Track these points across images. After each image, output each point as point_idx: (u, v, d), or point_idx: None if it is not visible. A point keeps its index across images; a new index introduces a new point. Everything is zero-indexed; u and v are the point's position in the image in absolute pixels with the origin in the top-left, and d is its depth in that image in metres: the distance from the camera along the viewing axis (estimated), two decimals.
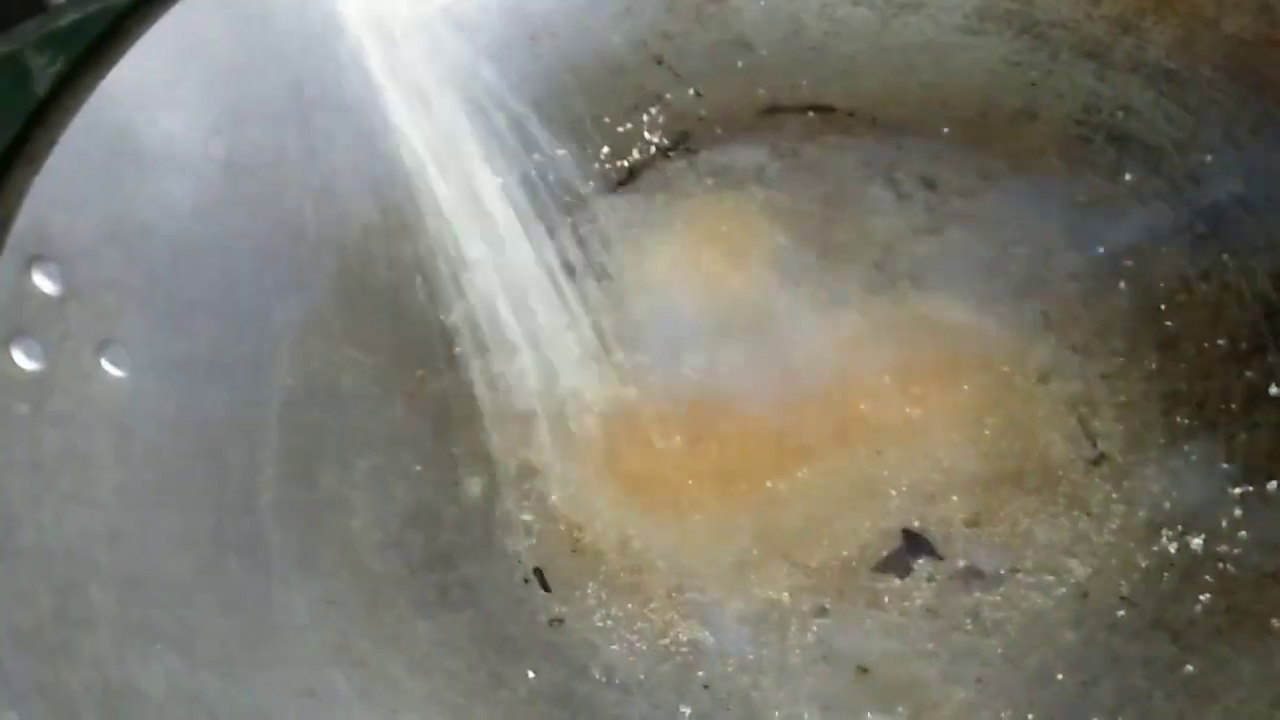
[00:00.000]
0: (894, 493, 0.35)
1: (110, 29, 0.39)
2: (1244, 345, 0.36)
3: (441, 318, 0.40)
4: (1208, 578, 0.32)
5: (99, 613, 0.28)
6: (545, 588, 0.35)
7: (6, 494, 0.28)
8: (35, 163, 0.34)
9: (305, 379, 0.38)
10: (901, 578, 0.33)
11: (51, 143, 0.34)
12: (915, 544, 0.34)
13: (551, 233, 0.43)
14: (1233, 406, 0.35)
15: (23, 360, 0.31)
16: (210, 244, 0.38)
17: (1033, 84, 0.43)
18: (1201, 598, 0.32)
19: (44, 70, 0.54)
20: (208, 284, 0.38)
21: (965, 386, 0.37)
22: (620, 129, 0.45)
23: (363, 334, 0.39)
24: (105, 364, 0.33)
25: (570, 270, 0.42)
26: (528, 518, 0.36)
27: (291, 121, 0.41)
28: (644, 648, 0.33)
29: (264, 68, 0.41)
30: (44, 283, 0.32)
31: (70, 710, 0.25)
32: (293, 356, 0.38)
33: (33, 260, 0.32)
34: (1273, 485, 0.33)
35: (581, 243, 0.43)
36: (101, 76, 0.36)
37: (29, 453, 0.29)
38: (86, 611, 0.27)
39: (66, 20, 0.56)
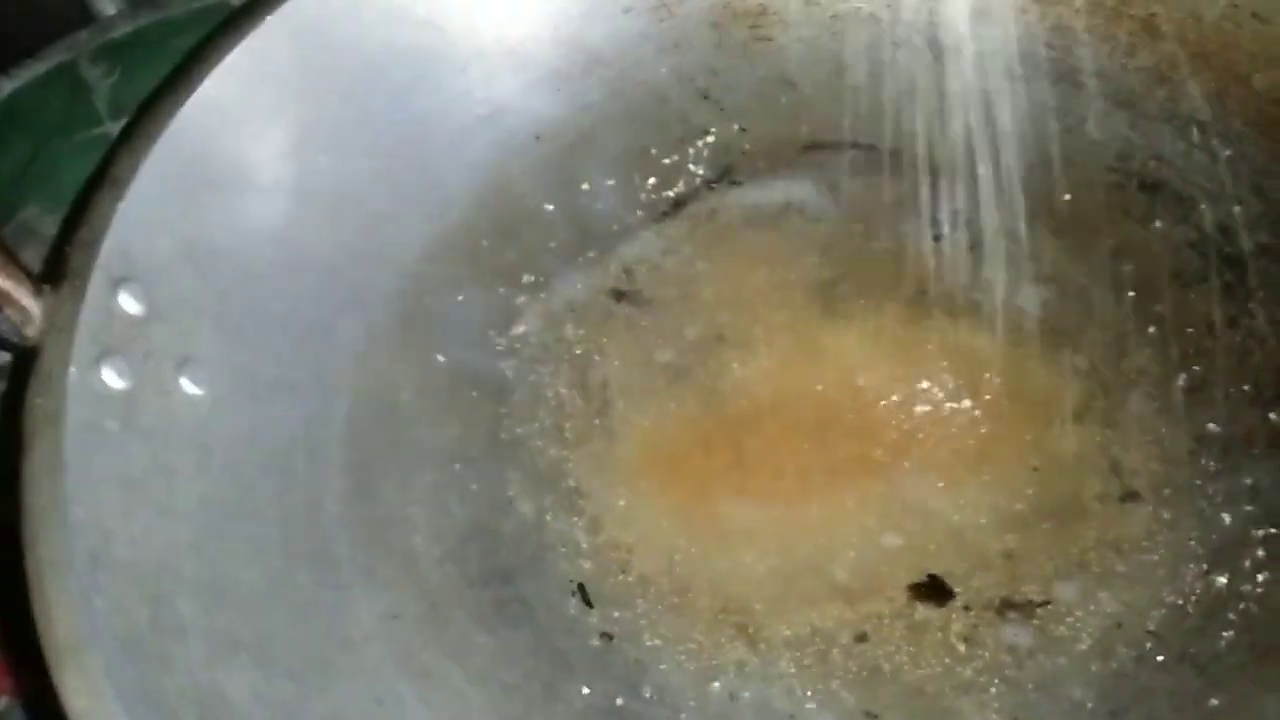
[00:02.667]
0: (933, 523, 0.37)
1: (186, 55, 0.40)
2: (1268, 391, 0.38)
3: (495, 338, 0.42)
4: (1231, 615, 0.34)
5: (188, 622, 0.29)
6: (588, 603, 0.36)
7: (102, 508, 0.29)
8: (119, 186, 0.35)
9: (366, 396, 0.39)
10: (940, 606, 0.35)
11: (134, 167, 0.36)
12: (938, 589, 0.35)
13: (599, 260, 0.44)
14: (1256, 450, 0.37)
15: (112, 379, 0.32)
16: (277, 264, 0.39)
17: (1068, 131, 0.45)
18: (1225, 634, 0.33)
19: (100, 81, 0.56)
20: (274, 302, 0.39)
21: (1001, 422, 0.39)
22: (666, 161, 0.46)
23: (419, 354, 0.41)
24: (184, 381, 0.34)
25: (618, 296, 0.43)
26: (578, 537, 0.38)
27: (355, 146, 0.42)
28: (692, 668, 0.35)
29: (330, 94, 0.42)
30: (129, 303, 0.34)
31: (173, 716, 0.26)
32: (354, 374, 0.39)
33: (119, 282, 0.34)
34: None
35: (628, 270, 0.44)
36: (181, 102, 0.37)
37: (120, 467, 0.31)
38: (177, 621, 0.29)
39: (120, 32, 0.58)
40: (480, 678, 0.33)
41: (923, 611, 0.35)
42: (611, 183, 0.46)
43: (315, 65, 0.42)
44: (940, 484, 0.38)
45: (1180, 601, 0.34)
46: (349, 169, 0.42)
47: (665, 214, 0.46)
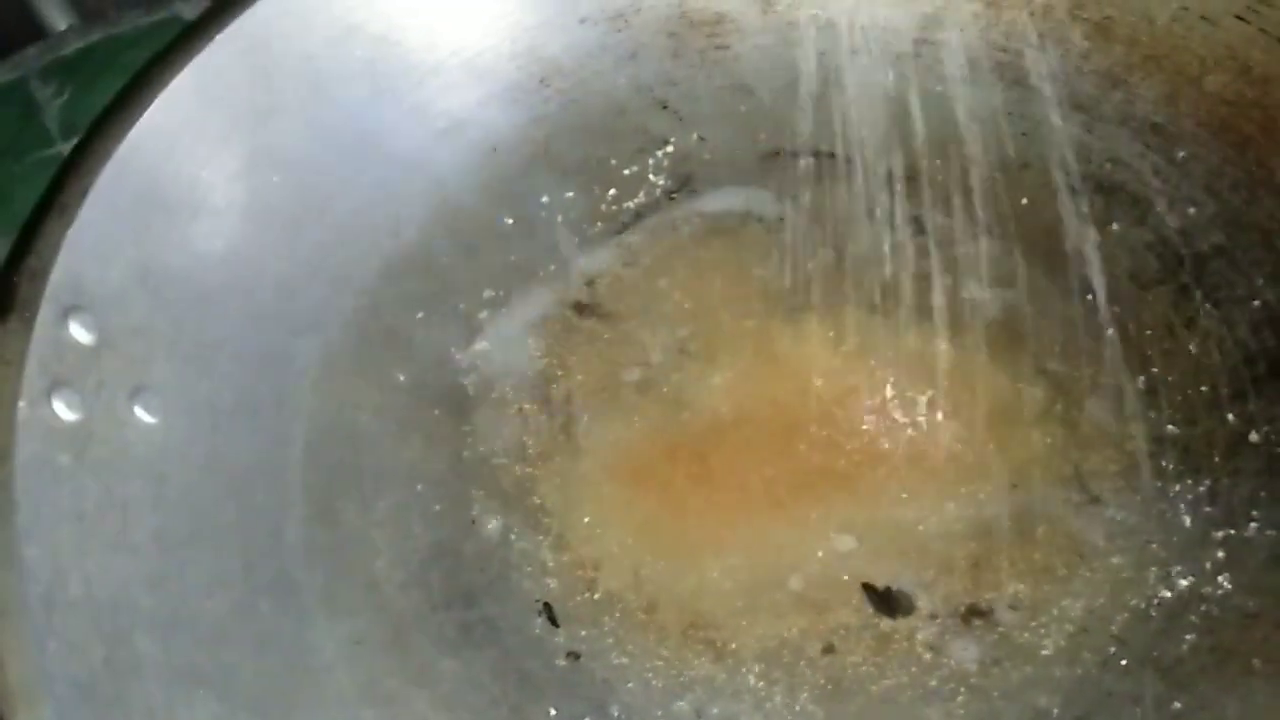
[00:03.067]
0: (897, 532, 0.37)
1: (133, 77, 0.39)
2: (1225, 392, 0.38)
3: (456, 355, 0.42)
4: (1193, 618, 0.34)
5: (145, 660, 0.29)
6: (554, 623, 0.36)
7: (56, 545, 0.28)
8: (68, 213, 0.35)
9: (325, 418, 0.39)
10: (905, 615, 0.35)
11: (83, 193, 0.35)
12: (886, 600, 0.36)
13: (560, 274, 0.44)
14: (1216, 452, 0.37)
15: (63, 411, 0.32)
16: (232, 287, 0.39)
17: (1024, 134, 0.45)
18: (1188, 637, 0.34)
19: (51, 101, 0.55)
20: (230, 326, 0.38)
21: (962, 428, 0.39)
22: (626, 171, 0.46)
23: (379, 373, 0.41)
24: (138, 410, 0.34)
25: (580, 309, 0.43)
26: (544, 556, 0.37)
27: (310, 164, 0.42)
28: (659, 685, 0.34)
29: (283, 112, 0.42)
30: (80, 333, 0.33)
31: None
32: (313, 396, 0.39)
33: (69, 311, 0.33)
34: (1253, 529, 0.35)
35: (590, 283, 0.44)
36: (130, 126, 0.37)
37: (73, 503, 0.30)
38: (134, 659, 0.28)
39: (70, 49, 0.57)
40: (445, 703, 0.33)
41: (886, 622, 0.35)
42: (571, 195, 0.45)
43: (267, 83, 0.41)
44: (903, 492, 0.38)
45: (1143, 605, 0.35)
46: (304, 188, 0.42)
47: (626, 225, 0.45)
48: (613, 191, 0.46)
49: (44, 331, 0.32)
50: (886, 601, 0.35)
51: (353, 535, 0.36)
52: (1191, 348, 0.39)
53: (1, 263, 0.45)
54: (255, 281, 0.40)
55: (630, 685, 0.34)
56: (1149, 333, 0.40)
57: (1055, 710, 0.33)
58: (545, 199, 0.45)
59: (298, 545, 0.35)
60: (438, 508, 0.38)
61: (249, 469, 0.36)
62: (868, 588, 0.35)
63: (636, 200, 0.46)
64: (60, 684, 0.26)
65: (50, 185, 0.36)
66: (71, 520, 0.30)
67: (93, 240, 0.35)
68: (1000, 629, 0.35)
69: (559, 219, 0.45)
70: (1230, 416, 0.38)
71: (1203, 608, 0.34)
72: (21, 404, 0.30)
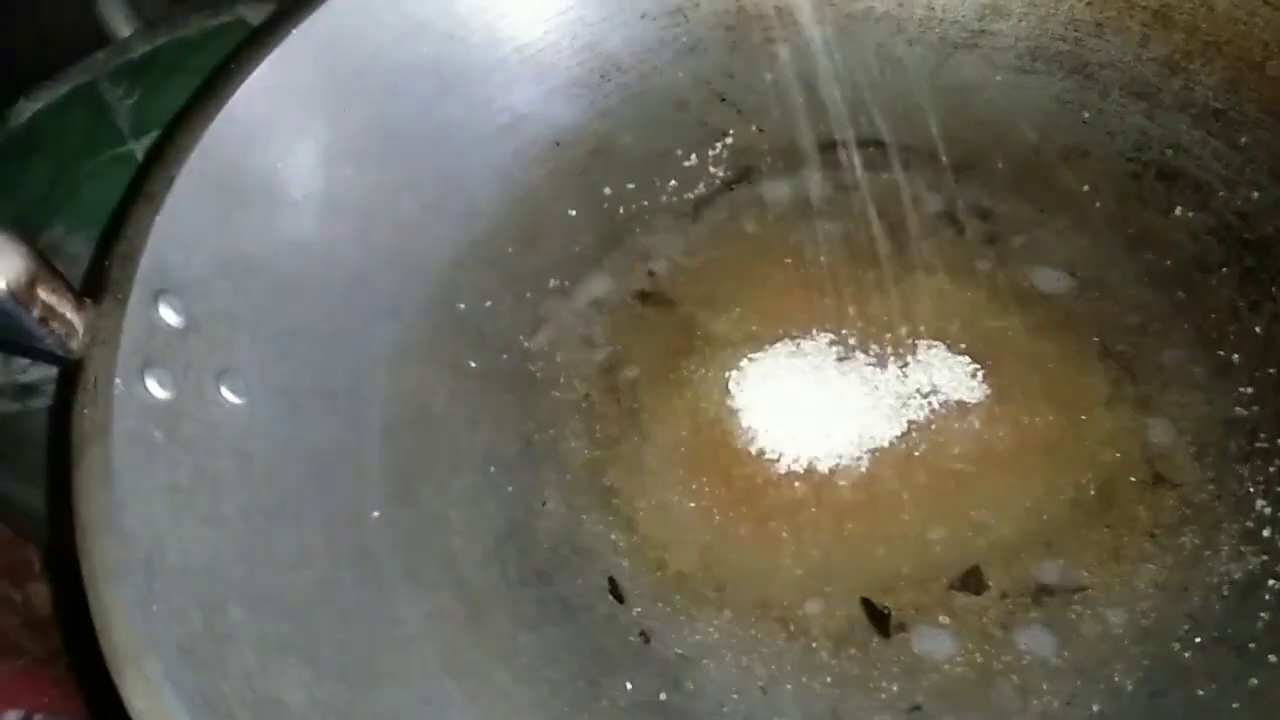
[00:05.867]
0: (968, 514, 0.37)
1: (215, 71, 0.41)
2: None
3: (524, 342, 0.42)
4: (1266, 596, 0.34)
5: (239, 628, 0.29)
6: (618, 598, 0.36)
7: (153, 516, 0.29)
8: (155, 200, 0.36)
9: (401, 402, 0.40)
10: (977, 594, 0.35)
11: (170, 180, 0.36)
12: (975, 579, 0.36)
13: (623, 263, 0.45)
14: None
15: (156, 389, 0.33)
16: (309, 274, 0.40)
17: (1084, 122, 0.45)
18: (1262, 615, 0.34)
19: (120, 101, 0.57)
20: (308, 312, 0.39)
21: (1027, 412, 0.39)
22: (686, 163, 0.47)
23: (451, 360, 0.41)
24: (225, 391, 0.35)
25: (643, 298, 0.44)
26: (614, 537, 0.38)
27: (382, 158, 0.43)
28: (732, 662, 0.35)
29: (355, 107, 0.43)
30: (169, 315, 0.34)
31: (230, 718, 0.27)
32: (388, 380, 0.40)
33: (158, 294, 0.34)
34: None
35: (652, 272, 0.45)
36: (211, 118, 0.38)
37: (167, 476, 0.31)
38: (229, 627, 0.29)
39: (137, 53, 0.58)
40: (526, 676, 0.34)
41: (961, 601, 0.35)
42: (632, 186, 0.46)
43: (339, 79, 0.42)
44: (974, 474, 0.38)
45: (1216, 583, 0.35)
46: (376, 180, 0.43)
47: (686, 215, 0.46)
48: (673, 183, 0.46)
49: (136, 313, 0.33)
50: (880, 620, 0.35)
51: (430, 514, 0.37)
52: (1258, 329, 0.39)
53: (81, 254, 0.47)
54: (331, 270, 0.41)
55: (705, 661, 0.35)
56: (1214, 316, 0.40)
57: (1130, 687, 0.33)
58: (608, 190, 0.46)
59: (378, 523, 0.36)
60: (510, 489, 0.38)
61: (329, 449, 0.37)
62: (866, 604, 0.35)
63: (697, 191, 0.47)
64: (164, 644, 0.26)
65: (137, 175, 0.37)
66: (166, 493, 0.31)
67: (178, 228, 0.36)
68: (1073, 608, 0.35)
69: (621, 210, 0.46)
70: None
71: (1276, 585, 0.34)
72: (117, 381, 0.31)
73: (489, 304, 0.43)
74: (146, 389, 0.33)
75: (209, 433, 0.34)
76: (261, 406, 0.36)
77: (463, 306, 0.42)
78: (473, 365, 0.41)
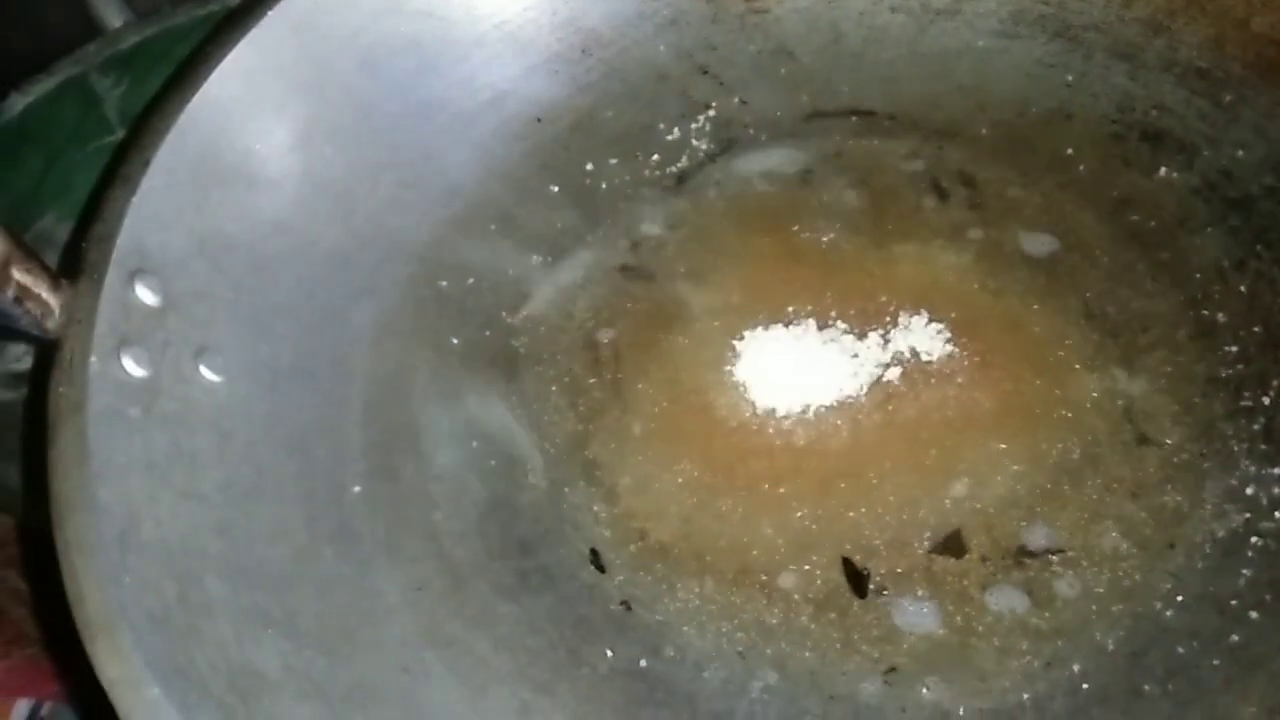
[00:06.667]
0: (950, 479, 0.37)
1: (191, 53, 0.41)
2: (1278, 332, 0.38)
3: (506, 318, 0.42)
4: (1249, 553, 0.34)
5: (215, 599, 0.30)
6: (600, 568, 0.36)
7: (129, 491, 0.30)
8: (131, 182, 0.36)
9: (382, 379, 0.40)
10: (958, 558, 0.35)
11: (145, 163, 0.36)
12: (854, 575, 0.35)
13: (607, 238, 0.45)
14: (1270, 390, 0.37)
15: (132, 368, 0.33)
16: (288, 253, 0.40)
17: (1068, 85, 0.45)
18: (1244, 571, 0.34)
19: (110, 92, 0.57)
20: (288, 291, 0.40)
21: (1011, 374, 0.39)
22: (669, 137, 0.47)
23: (433, 336, 0.41)
24: (203, 369, 0.35)
25: (627, 271, 0.44)
26: (596, 509, 0.38)
27: (360, 136, 0.43)
28: (713, 628, 0.35)
29: (332, 87, 0.43)
30: (146, 295, 0.35)
31: (204, 688, 0.27)
32: (370, 358, 0.40)
33: (135, 274, 0.34)
34: None
35: (635, 246, 0.44)
36: (187, 100, 0.38)
37: (143, 453, 0.31)
38: (205, 598, 0.29)
39: (127, 44, 0.59)
40: (505, 645, 0.34)
41: (941, 564, 0.35)
42: (615, 161, 0.46)
43: (317, 58, 0.42)
44: (957, 439, 0.38)
45: (1199, 540, 0.34)
46: (356, 159, 0.43)
47: (670, 189, 0.46)
48: (656, 156, 0.46)
49: (112, 293, 0.33)
50: (858, 580, 0.35)
51: (412, 489, 0.37)
52: (1243, 288, 0.39)
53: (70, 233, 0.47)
54: (310, 249, 0.41)
55: (685, 628, 0.35)
56: (1199, 276, 0.40)
57: (1110, 646, 0.33)
58: (590, 166, 0.46)
59: (358, 498, 0.36)
60: (493, 463, 0.39)
61: (309, 426, 0.37)
62: (846, 563, 0.35)
63: (680, 164, 0.46)
64: (136, 615, 0.27)
65: (114, 156, 0.38)
66: (142, 468, 0.31)
67: (155, 208, 0.36)
68: (1054, 569, 0.35)
69: (604, 185, 0.46)
70: None
71: (1259, 542, 0.34)
72: (93, 359, 0.32)
73: (471, 280, 0.43)
74: (123, 367, 0.33)
75: (187, 410, 0.34)
76: (241, 384, 0.36)
77: (444, 284, 0.42)
78: (454, 342, 0.41)
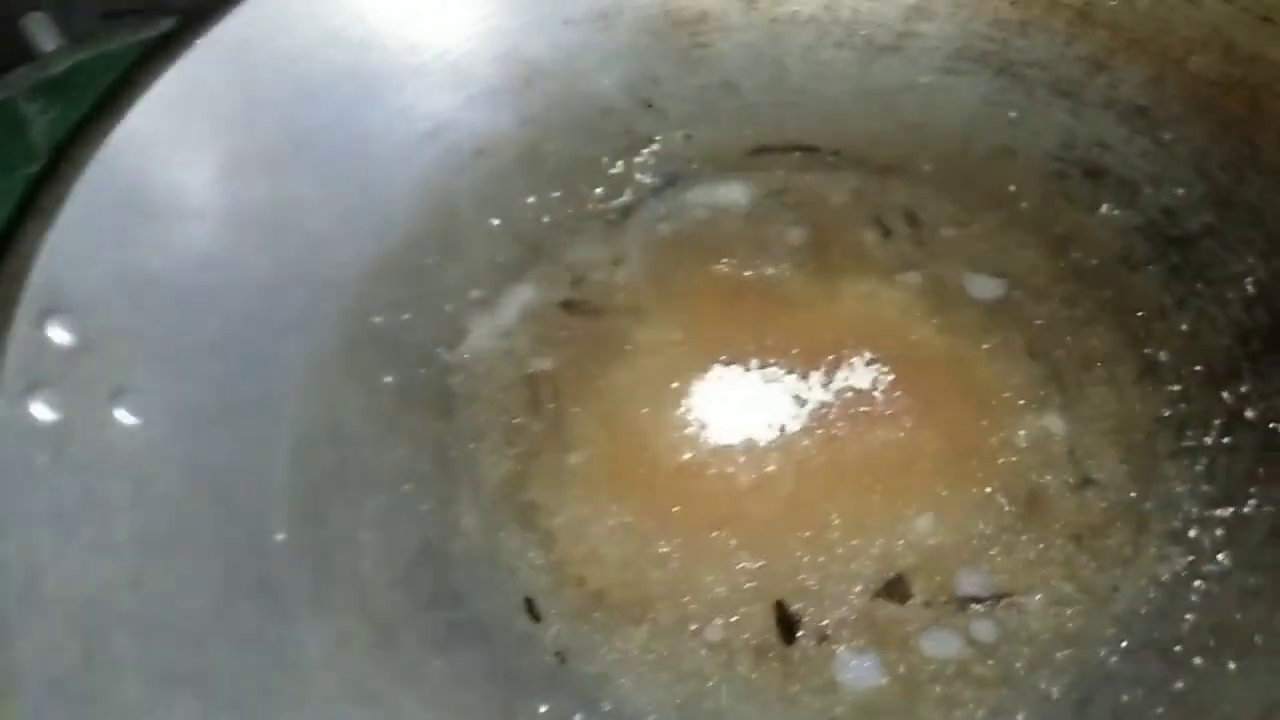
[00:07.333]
0: (893, 522, 0.36)
1: (115, 82, 0.40)
2: (1220, 371, 0.38)
3: (443, 355, 0.41)
4: (1193, 597, 0.34)
5: (125, 659, 0.28)
6: (535, 617, 0.35)
7: (32, 545, 0.28)
8: (46, 217, 0.34)
9: (311, 420, 0.38)
10: (901, 603, 0.34)
11: (62, 197, 0.35)
12: (784, 620, 0.35)
13: (548, 273, 0.44)
14: (1212, 431, 0.37)
15: (41, 411, 0.31)
16: (215, 290, 0.39)
17: (1010, 122, 0.45)
18: (1188, 616, 0.33)
19: (38, 117, 0.55)
20: (213, 329, 0.38)
21: (954, 415, 0.38)
22: (612, 170, 0.46)
23: (365, 375, 0.40)
24: (119, 412, 0.34)
25: (569, 307, 0.43)
26: (532, 554, 0.37)
27: (294, 167, 0.42)
28: (651, 679, 0.34)
29: (264, 118, 0.41)
30: (59, 334, 0.33)
31: None
32: (298, 398, 0.39)
33: (47, 313, 0.33)
34: (1251, 505, 0.35)
35: (577, 281, 0.44)
36: (109, 130, 0.37)
37: (50, 503, 0.30)
38: (113, 658, 0.28)
39: (59, 68, 0.57)
40: (434, 702, 0.33)
41: (884, 610, 0.34)
42: (558, 194, 0.45)
43: (249, 88, 0.41)
44: (900, 481, 0.37)
45: (1143, 585, 0.34)
46: (288, 191, 0.42)
47: (613, 223, 0.45)
48: (600, 190, 0.46)
49: (22, 333, 0.32)
50: (788, 626, 0.34)
51: (339, 536, 0.36)
52: (1184, 327, 0.39)
53: None
54: (238, 284, 0.39)
55: (622, 681, 0.34)
56: (1141, 314, 0.40)
57: (1056, 694, 0.33)
58: (532, 199, 0.45)
59: (283, 547, 0.35)
60: (425, 507, 0.37)
61: (233, 471, 0.36)
62: (779, 607, 0.35)
63: (623, 199, 0.46)
64: (32, 681, 0.25)
65: (29, 190, 0.36)
66: (49, 520, 0.29)
67: (72, 244, 0.34)
68: (998, 614, 0.34)
69: (546, 219, 0.45)
70: (1225, 394, 0.37)
71: (1202, 586, 0.34)
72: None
73: (406, 316, 0.42)
74: (31, 412, 0.31)
75: (100, 455, 0.32)
76: (160, 427, 0.35)
77: (378, 320, 0.41)
78: (388, 380, 0.40)
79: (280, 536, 0.35)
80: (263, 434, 0.37)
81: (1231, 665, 0.32)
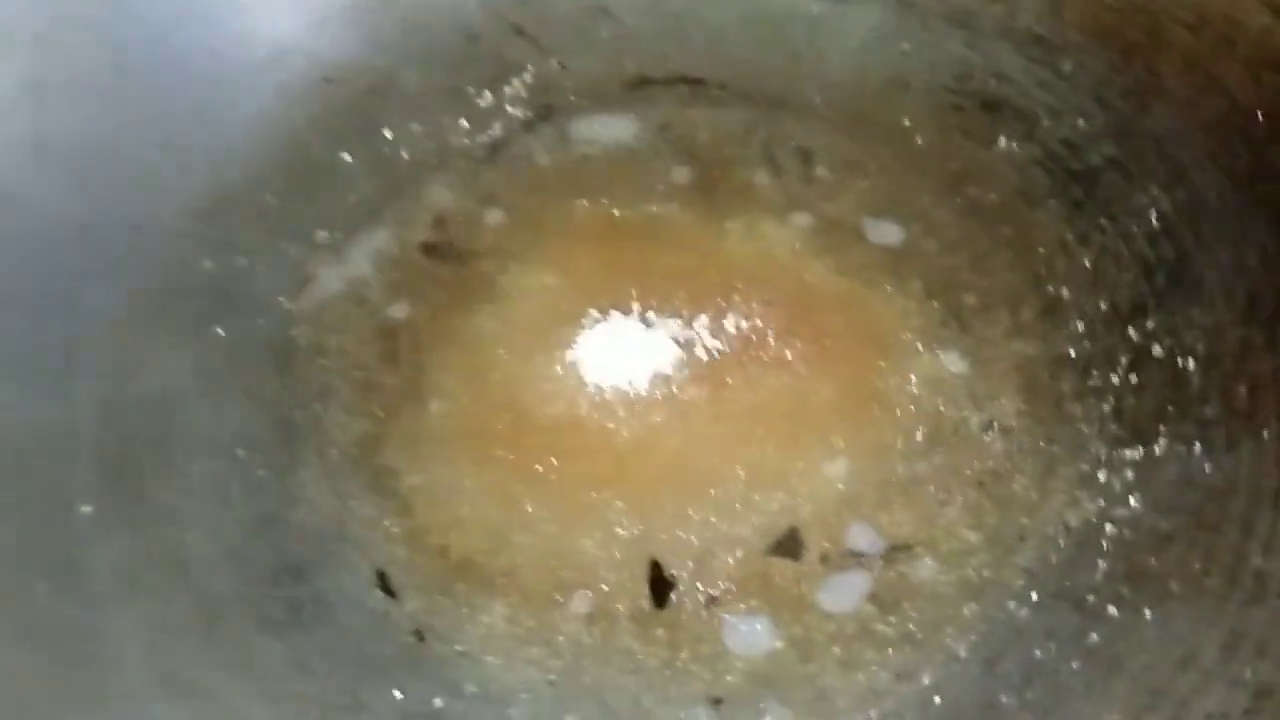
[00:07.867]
0: (786, 474, 0.33)
1: None
2: (1125, 308, 0.36)
3: (285, 304, 0.37)
4: (1104, 543, 0.31)
5: None
6: (390, 593, 0.31)
7: None
8: None
9: (126, 378, 0.33)
10: (795, 559, 0.31)
11: None
12: (658, 582, 0.32)
13: (407, 213, 0.39)
14: (1118, 369, 0.35)
15: None
16: (9, 230, 0.34)
17: (904, 54, 0.42)
18: (1100, 563, 0.31)
19: None
20: (8, 275, 0.33)
21: (849, 357, 0.36)
22: (480, 102, 0.42)
23: (192, 326, 0.35)
24: None
25: (429, 251, 0.39)
26: (387, 523, 0.33)
27: (109, 94, 0.37)
28: (522, 655, 0.30)
29: (74, 35, 0.37)
30: None
31: None
32: (111, 353, 0.34)
33: None
34: (1161, 445, 0.33)
35: (439, 222, 0.39)
36: None
37: None
38: None
39: None
40: (269, 693, 0.28)
41: (777, 567, 0.31)
42: (418, 128, 0.41)
43: (54, 5, 0.36)
44: (793, 430, 0.34)
45: (1051, 533, 0.32)
46: (102, 120, 0.37)
47: (481, 160, 0.41)
48: (465, 123, 0.41)
49: None
50: (661, 586, 0.31)
51: (157, 508, 0.31)
52: (1087, 263, 0.37)
53: None
54: (39, 223, 0.35)
55: (489, 658, 0.30)
56: (1042, 250, 0.38)
57: (963, 653, 0.30)
58: (388, 133, 0.41)
59: (88, 520, 0.30)
60: (262, 473, 0.33)
61: (28, 436, 0.31)
62: (654, 566, 0.31)
63: (492, 133, 0.42)
64: None
65: None
66: None
67: None
68: (899, 568, 0.31)
69: (404, 154, 0.41)
70: (1131, 331, 0.35)
71: (1114, 531, 0.31)
72: None
73: (243, 262, 0.37)
74: None
75: None
76: None
77: (209, 264, 0.36)
78: (220, 332, 0.35)
79: (85, 508, 0.30)
80: (65, 394, 0.32)
81: (1148, 613, 0.29)
